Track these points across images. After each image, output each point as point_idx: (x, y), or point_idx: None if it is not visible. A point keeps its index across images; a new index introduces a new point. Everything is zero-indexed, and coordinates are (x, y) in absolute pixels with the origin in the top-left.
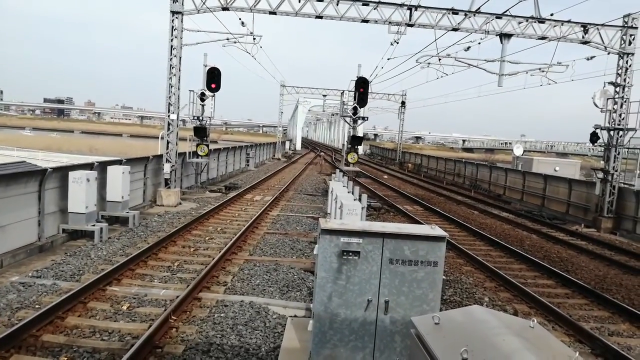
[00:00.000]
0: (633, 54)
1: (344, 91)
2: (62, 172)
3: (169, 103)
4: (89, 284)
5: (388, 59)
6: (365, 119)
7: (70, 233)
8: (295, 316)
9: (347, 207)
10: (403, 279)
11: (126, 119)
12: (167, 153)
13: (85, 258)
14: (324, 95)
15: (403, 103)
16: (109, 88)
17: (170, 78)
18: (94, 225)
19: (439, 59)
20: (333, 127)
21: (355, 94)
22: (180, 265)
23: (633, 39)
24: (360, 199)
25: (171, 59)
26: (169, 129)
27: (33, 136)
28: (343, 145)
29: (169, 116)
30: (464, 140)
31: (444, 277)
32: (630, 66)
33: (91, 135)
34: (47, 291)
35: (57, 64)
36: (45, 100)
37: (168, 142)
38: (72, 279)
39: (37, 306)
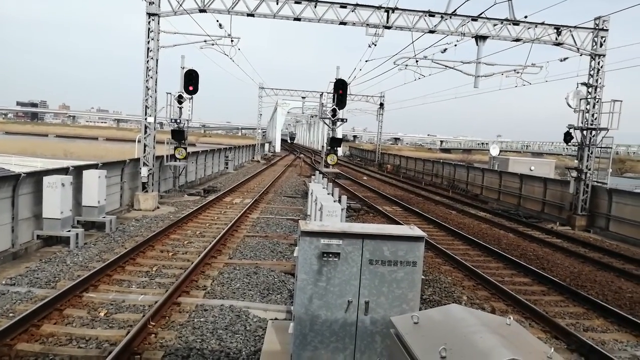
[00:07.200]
0: (604, 56)
1: (322, 93)
2: (37, 177)
3: (146, 106)
4: (64, 290)
5: (366, 61)
6: (344, 120)
7: (45, 239)
8: (276, 319)
9: (326, 209)
10: (383, 280)
11: (102, 122)
12: (144, 156)
13: (60, 264)
14: (303, 97)
15: (381, 104)
16: (84, 91)
17: (147, 81)
18: (69, 231)
19: (416, 61)
20: (312, 128)
21: (334, 95)
22: (159, 270)
23: (604, 41)
24: (340, 201)
25: (148, 62)
26: (146, 132)
27: None
28: (322, 147)
29: (145, 119)
30: (441, 141)
31: (423, 277)
32: (601, 67)
33: (66, 139)
34: (21, 299)
35: (31, 67)
36: (18, 104)
37: (145, 146)
38: (48, 286)
39: (11, 314)
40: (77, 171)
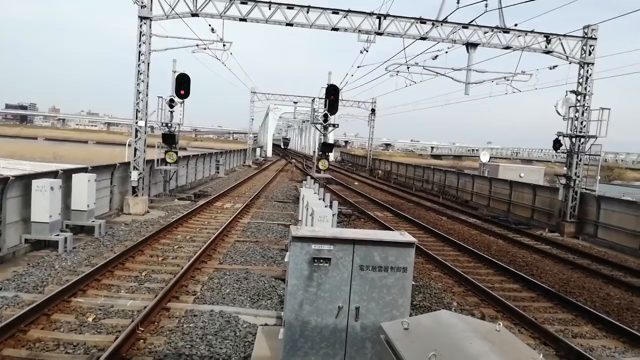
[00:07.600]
0: (593, 64)
1: (314, 98)
2: (25, 181)
3: (137, 109)
4: (52, 295)
5: (358, 67)
6: (336, 126)
7: (33, 243)
8: (266, 325)
9: (318, 214)
10: (373, 285)
11: (92, 126)
12: (134, 160)
13: (49, 269)
14: (295, 102)
15: (373, 110)
16: (74, 94)
17: (138, 84)
18: (58, 235)
19: (408, 67)
20: (304, 134)
21: (325, 101)
22: (148, 275)
23: (593, 49)
24: (331, 206)
25: (139, 65)
26: (136, 135)
27: None
28: (314, 152)
29: (136, 123)
30: (432, 147)
31: (413, 283)
32: (590, 75)
33: (55, 142)
34: (8, 304)
35: (22, 69)
36: (7, 106)
37: (136, 149)
38: (35, 291)
39: None
40: (67, 175)
